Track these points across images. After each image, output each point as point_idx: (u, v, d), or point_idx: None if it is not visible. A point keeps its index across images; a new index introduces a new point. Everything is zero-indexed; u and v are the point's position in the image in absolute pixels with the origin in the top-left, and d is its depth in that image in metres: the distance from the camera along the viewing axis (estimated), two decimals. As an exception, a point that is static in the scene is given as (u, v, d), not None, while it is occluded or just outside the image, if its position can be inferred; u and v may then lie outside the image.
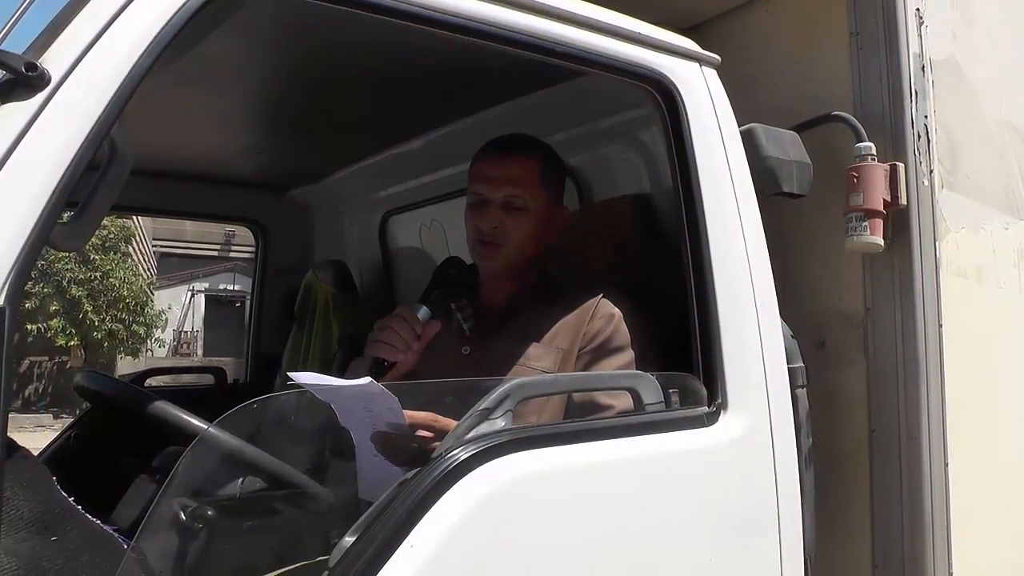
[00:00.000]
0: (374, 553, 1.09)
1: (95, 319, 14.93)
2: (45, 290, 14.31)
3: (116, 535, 1.17)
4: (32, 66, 0.97)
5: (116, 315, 15.36)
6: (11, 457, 1.00)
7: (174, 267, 21.59)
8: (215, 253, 21.61)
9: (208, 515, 1.23)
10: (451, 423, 1.31)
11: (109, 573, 1.07)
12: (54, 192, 0.96)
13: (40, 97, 0.97)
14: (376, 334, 1.65)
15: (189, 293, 22.31)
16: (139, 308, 15.99)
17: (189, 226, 19.78)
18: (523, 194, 1.74)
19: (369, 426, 1.34)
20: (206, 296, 22.64)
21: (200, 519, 1.22)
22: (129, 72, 1.03)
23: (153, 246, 20.37)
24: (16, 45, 1.00)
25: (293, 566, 1.24)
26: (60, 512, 1.06)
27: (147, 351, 17.73)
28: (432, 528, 1.12)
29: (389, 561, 1.09)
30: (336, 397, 1.33)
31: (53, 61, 0.99)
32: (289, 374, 1.30)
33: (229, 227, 17.30)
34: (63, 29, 1.02)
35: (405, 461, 1.29)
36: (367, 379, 1.29)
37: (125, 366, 15.26)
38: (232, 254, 20.99)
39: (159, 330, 17.63)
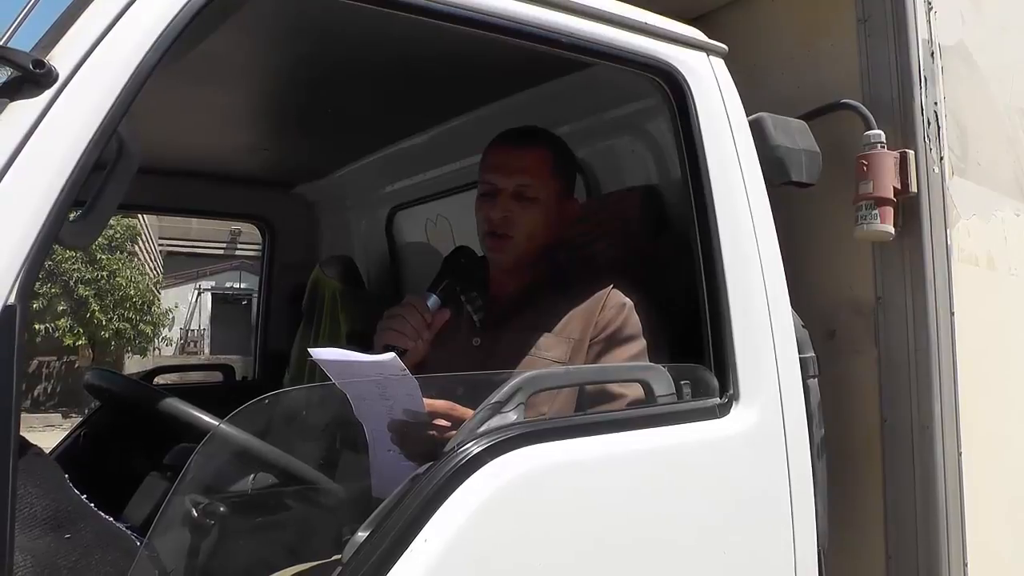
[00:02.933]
0: (388, 548, 1.09)
1: (102, 318, 14.97)
2: (52, 290, 14.36)
3: (129, 532, 1.17)
4: (39, 63, 0.96)
5: (123, 314, 15.41)
6: (24, 455, 1.00)
7: (180, 266, 21.65)
8: (221, 251, 21.67)
9: (220, 512, 1.23)
10: (468, 412, 1.31)
11: (122, 570, 1.07)
12: (62, 190, 0.96)
13: (48, 94, 0.97)
14: (386, 322, 1.65)
15: (196, 291, 22.36)
16: (146, 307, 16.04)
17: (195, 224, 19.84)
18: (534, 184, 1.74)
19: (385, 415, 1.34)
20: (212, 294, 22.69)
21: (212, 516, 1.22)
22: (136, 68, 1.03)
23: (159, 245, 20.43)
24: (23, 42, 1.00)
25: (307, 565, 1.24)
26: (73, 510, 1.06)
27: (154, 350, 17.78)
28: (446, 522, 1.12)
29: (403, 556, 1.09)
30: (353, 381, 1.33)
31: (60, 58, 0.99)
32: (309, 350, 1.30)
33: (235, 225, 17.35)
34: (70, 26, 1.02)
35: (421, 453, 1.29)
36: (390, 354, 1.29)
37: (133, 365, 15.32)
38: (238, 252, 21.03)
39: (166, 329, 17.69)
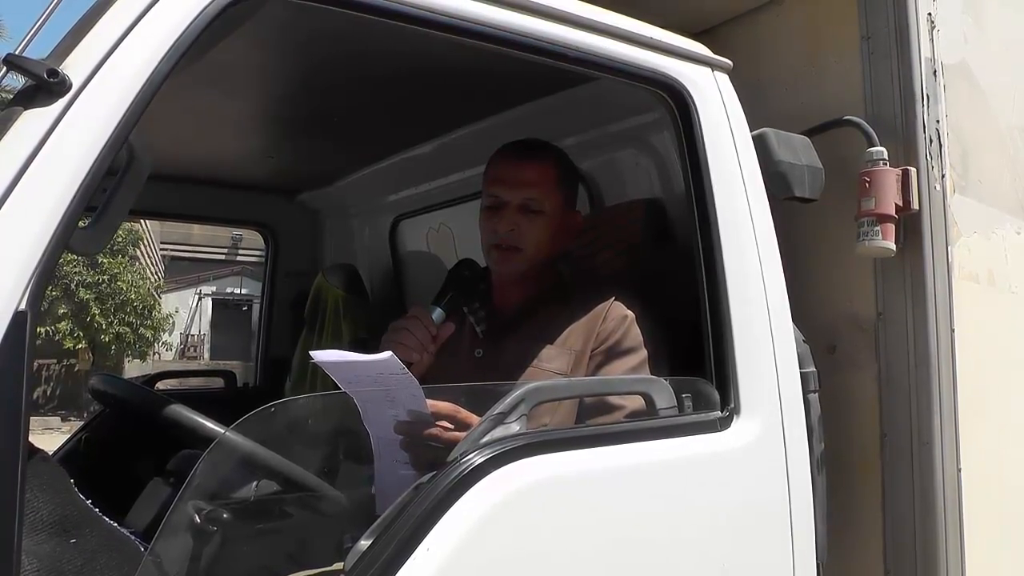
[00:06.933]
0: (390, 557, 1.09)
1: (103, 322, 14.98)
2: (53, 293, 14.35)
3: (133, 538, 1.18)
4: (53, 72, 0.97)
5: (124, 318, 15.42)
6: (31, 459, 1.00)
7: (181, 270, 21.67)
8: (222, 256, 21.69)
9: (224, 518, 1.24)
10: (473, 417, 1.32)
11: (127, 575, 1.08)
12: (74, 197, 0.97)
13: (61, 103, 0.98)
14: (391, 335, 1.66)
15: (196, 296, 22.36)
16: (147, 311, 16.04)
17: (196, 230, 19.85)
18: (540, 197, 1.75)
19: (390, 418, 1.35)
20: (213, 299, 22.69)
21: (216, 522, 1.23)
22: (148, 78, 1.04)
23: (161, 249, 20.46)
24: (38, 51, 1.01)
25: (309, 572, 1.24)
26: (79, 514, 1.07)
27: (154, 354, 17.78)
28: (448, 532, 1.13)
29: (405, 565, 1.09)
30: (359, 388, 1.34)
31: (74, 67, 1.00)
32: (311, 353, 1.31)
33: (236, 231, 17.37)
34: (84, 35, 1.03)
35: (426, 456, 1.30)
36: (387, 353, 1.30)
37: (133, 369, 15.33)
38: (239, 258, 21.06)
39: (166, 333, 17.68)
